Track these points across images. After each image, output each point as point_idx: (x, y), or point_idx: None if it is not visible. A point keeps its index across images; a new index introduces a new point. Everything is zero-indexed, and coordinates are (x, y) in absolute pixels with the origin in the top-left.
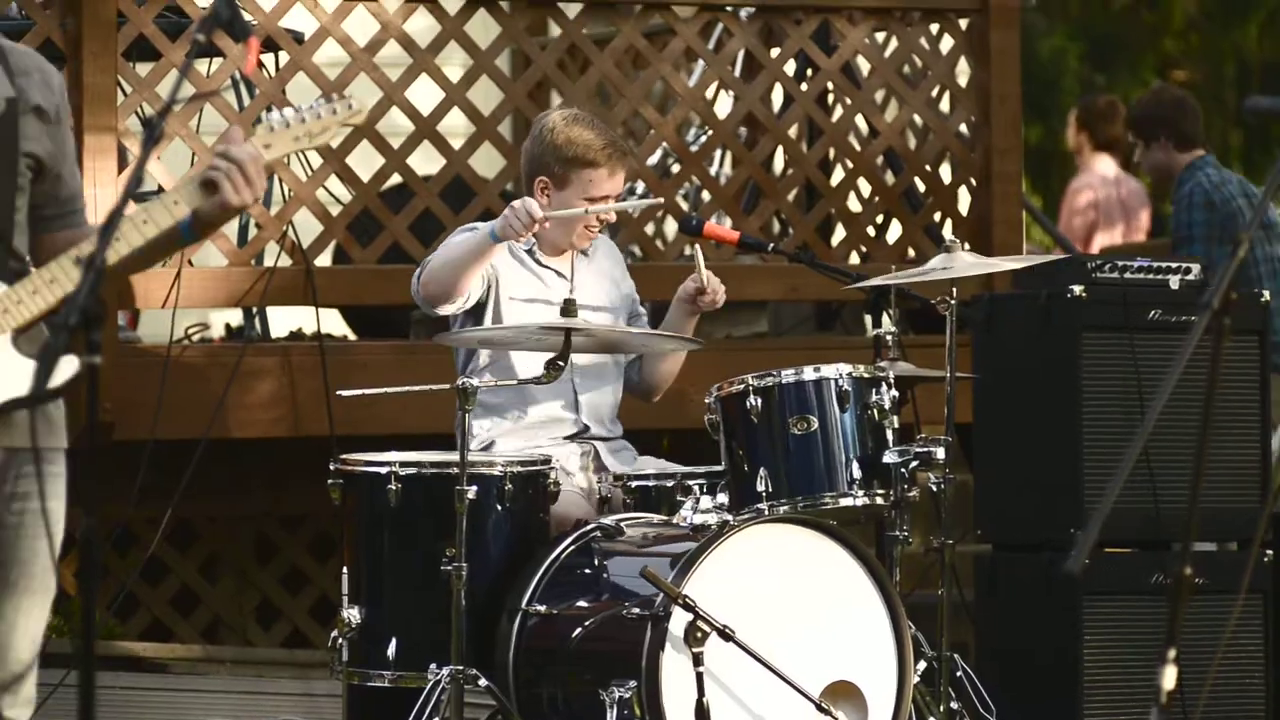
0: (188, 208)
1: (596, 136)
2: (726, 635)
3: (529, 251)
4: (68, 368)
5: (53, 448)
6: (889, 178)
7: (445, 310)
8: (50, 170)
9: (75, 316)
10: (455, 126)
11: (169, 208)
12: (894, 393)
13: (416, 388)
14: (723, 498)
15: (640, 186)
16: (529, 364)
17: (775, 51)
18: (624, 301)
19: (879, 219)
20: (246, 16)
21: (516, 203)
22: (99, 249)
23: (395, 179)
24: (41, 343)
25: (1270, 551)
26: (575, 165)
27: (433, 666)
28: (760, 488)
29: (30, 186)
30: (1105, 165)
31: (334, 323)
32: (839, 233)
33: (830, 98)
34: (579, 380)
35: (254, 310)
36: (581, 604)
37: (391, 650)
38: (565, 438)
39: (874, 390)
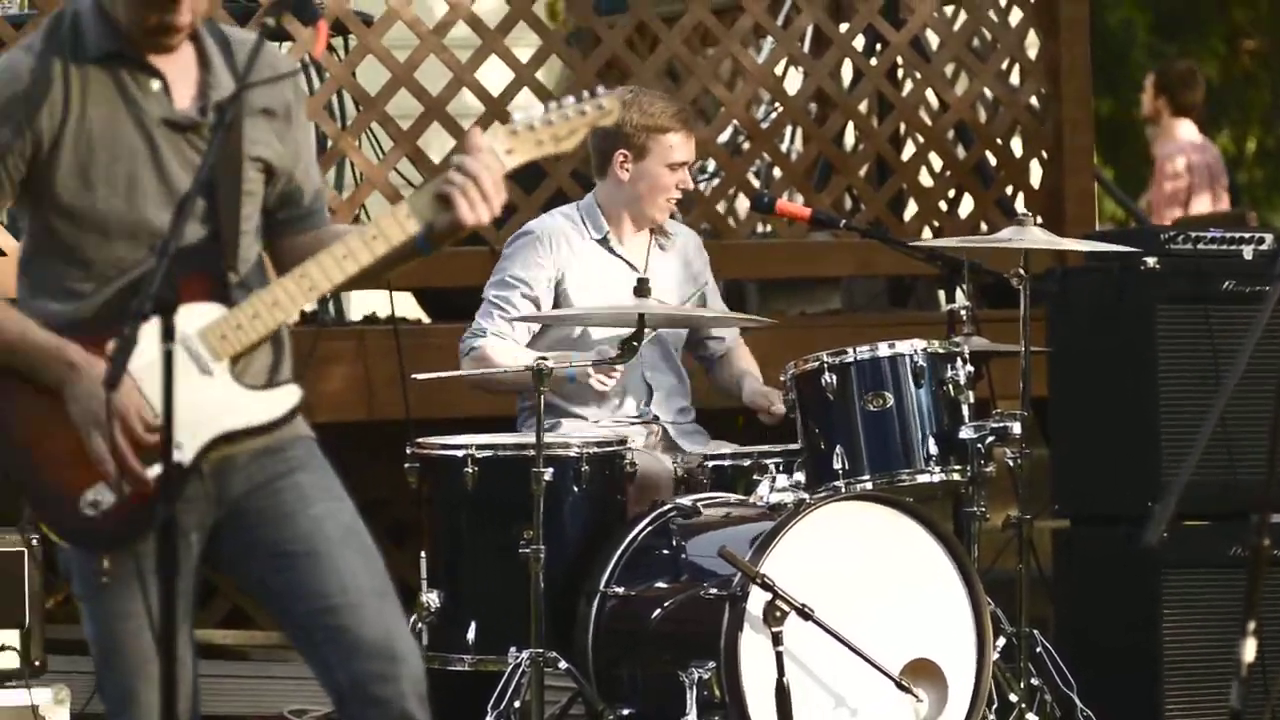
0: (419, 223)
1: (667, 104)
2: (805, 614)
3: (602, 240)
4: (289, 397)
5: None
6: (960, 152)
7: None
8: (282, 173)
9: (148, 305)
10: (525, 106)
11: (400, 222)
12: (969, 368)
13: (492, 370)
14: (799, 476)
15: (711, 164)
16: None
17: (844, 26)
18: (697, 294)
19: (951, 193)
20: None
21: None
22: (171, 235)
23: None
24: (120, 341)
25: None
26: (653, 133)
27: (512, 650)
28: (836, 465)
29: (260, 191)
30: (1188, 130)
31: (408, 306)
32: (911, 207)
33: (900, 72)
34: (649, 371)
35: (328, 294)
36: (660, 585)
37: (471, 634)
38: (636, 422)
39: (949, 365)
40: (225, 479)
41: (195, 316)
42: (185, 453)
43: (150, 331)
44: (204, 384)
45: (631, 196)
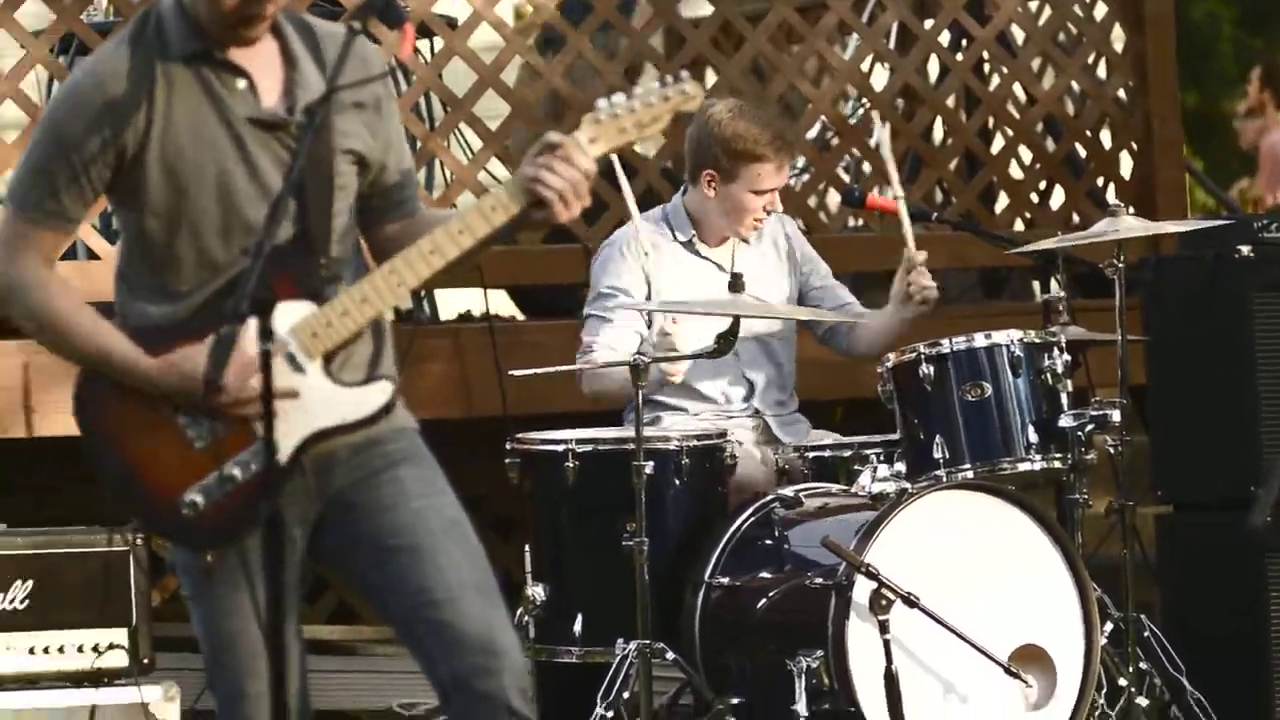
0: (505, 214)
1: (762, 130)
2: (911, 602)
3: (687, 243)
4: (381, 393)
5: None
6: (1049, 144)
7: None
8: (374, 164)
9: (245, 305)
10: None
11: (487, 216)
12: (1066, 357)
13: (589, 365)
14: (900, 466)
15: (801, 160)
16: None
17: (929, 22)
18: (793, 279)
19: (1041, 185)
20: (400, 3)
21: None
22: (266, 236)
23: None
24: (218, 340)
25: None
26: (743, 159)
27: (620, 641)
28: (937, 455)
29: (352, 184)
30: None
31: (502, 303)
32: (1002, 200)
33: (986, 67)
34: (747, 368)
35: (422, 293)
36: (764, 575)
37: (578, 626)
38: (737, 414)
39: (1046, 355)
40: (326, 474)
41: (287, 314)
42: (281, 451)
43: (244, 332)
44: (298, 382)
45: (721, 212)
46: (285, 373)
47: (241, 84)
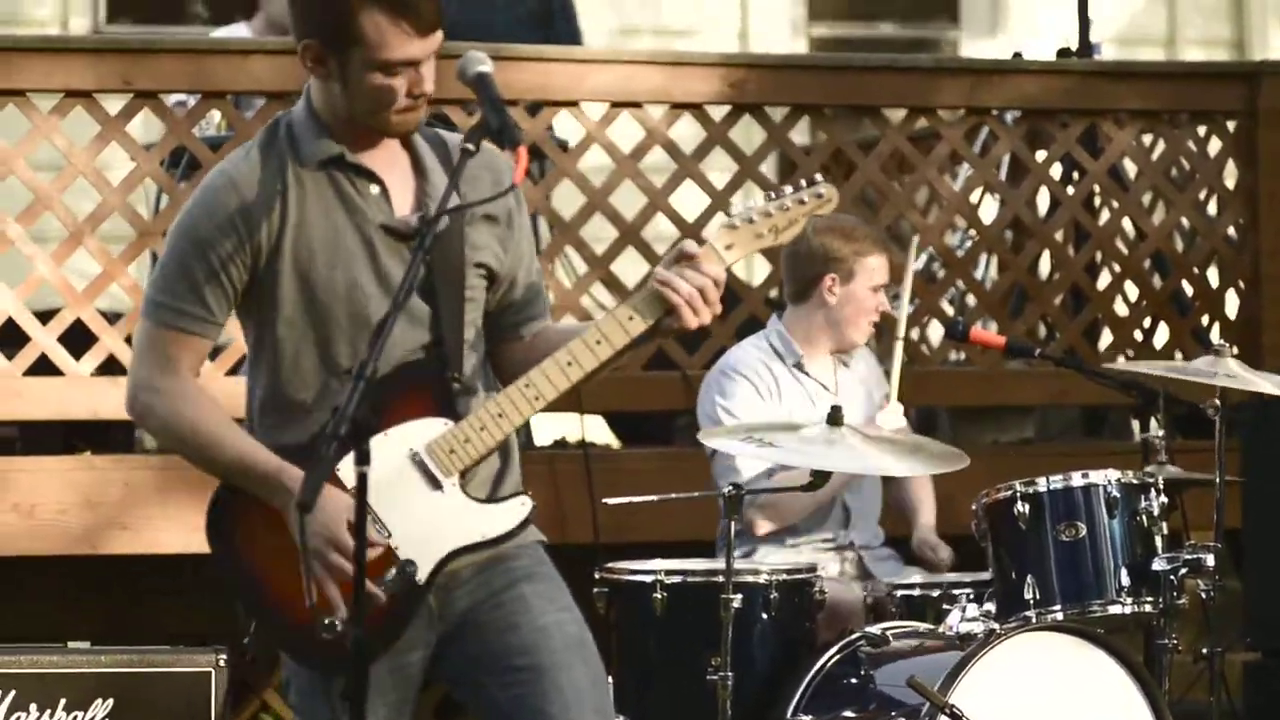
0: (643, 323)
1: (865, 227)
2: None
3: (797, 364)
4: (522, 509)
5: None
6: (1156, 281)
7: None
8: (504, 277)
9: (345, 426)
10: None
11: (623, 324)
12: (1163, 498)
13: (681, 495)
14: (989, 606)
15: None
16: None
17: (1041, 154)
18: (870, 405)
19: (1146, 322)
20: (515, 126)
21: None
22: (371, 356)
23: None
24: (315, 463)
25: None
26: (860, 256)
27: None
28: (1027, 595)
29: (482, 297)
30: None
31: (598, 429)
32: (1106, 336)
33: (1097, 200)
34: (848, 495)
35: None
36: (848, 714)
37: None
38: (831, 548)
39: (1143, 496)
40: (449, 594)
41: (423, 431)
42: (420, 571)
43: (380, 449)
44: (436, 500)
45: (836, 320)
46: (423, 491)
47: (375, 190)
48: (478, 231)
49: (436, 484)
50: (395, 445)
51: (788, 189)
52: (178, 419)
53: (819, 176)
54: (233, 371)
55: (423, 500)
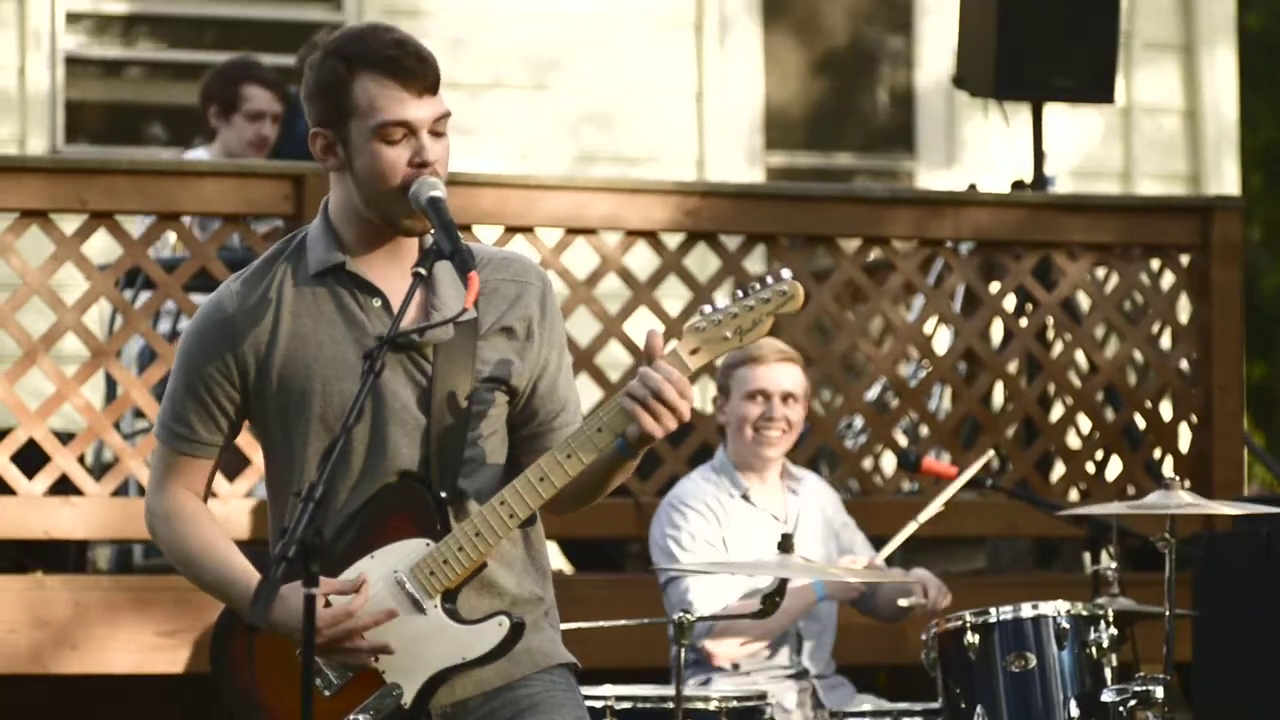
0: (611, 436)
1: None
2: None
3: (744, 495)
4: (500, 628)
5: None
6: (1109, 414)
7: None
8: (521, 390)
9: (293, 549)
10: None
11: (591, 438)
12: (1113, 630)
13: (632, 621)
14: None
15: (858, 421)
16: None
17: (995, 286)
18: (835, 538)
19: (1098, 455)
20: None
21: None
22: (320, 478)
23: None
24: (263, 583)
25: None
26: (731, 370)
27: None
28: None
29: (496, 411)
30: None
31: (552, 555)
32: (1058, 469)
33: (1050, 332)
34: (802, 621)
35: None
36: None
37: None
38: (786, 675)
39: (1092, 628)
40: None
41: (406, 553)
42: (405, 694)
43: (371, 565)
44: (419, 623)
45: (732, 438)
46: (408, 613)
47: (377, 303)
48: (491, 346)
49: (419, 607)
50: (380, 568)
51: (754, 285)
52: (171, 539)
53: (785, 272)
54: None
55: (407, 623)
